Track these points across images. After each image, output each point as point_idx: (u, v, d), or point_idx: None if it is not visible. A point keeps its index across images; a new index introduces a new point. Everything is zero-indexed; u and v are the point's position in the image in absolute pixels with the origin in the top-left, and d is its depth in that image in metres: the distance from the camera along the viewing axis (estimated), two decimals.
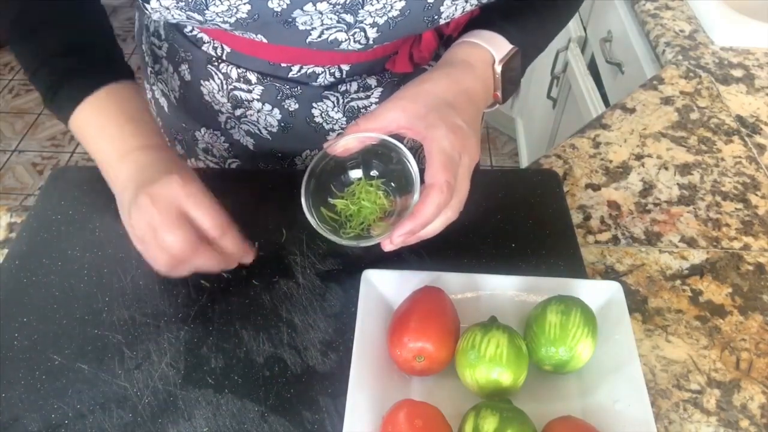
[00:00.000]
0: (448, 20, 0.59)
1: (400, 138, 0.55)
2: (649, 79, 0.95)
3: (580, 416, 0.49)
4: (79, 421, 0.51)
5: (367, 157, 0.58)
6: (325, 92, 0.70)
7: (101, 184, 0.58)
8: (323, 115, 0.71)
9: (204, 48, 0.69)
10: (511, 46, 0.60)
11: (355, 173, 0.59)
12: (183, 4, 0.52)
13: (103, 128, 0.58)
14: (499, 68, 0.59)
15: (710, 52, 1.01)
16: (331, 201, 0.58)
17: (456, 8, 0.58)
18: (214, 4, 0.52)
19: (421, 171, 0.53)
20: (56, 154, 2.42)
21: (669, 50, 1.02)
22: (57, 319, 0.58)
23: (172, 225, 0.52)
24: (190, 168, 0.59)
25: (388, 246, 0.52)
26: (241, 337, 0.57)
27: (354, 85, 0.70)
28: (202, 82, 0.71)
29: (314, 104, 0.70)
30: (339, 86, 0.70)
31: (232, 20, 0.54)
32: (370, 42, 0.60)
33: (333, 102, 0.70)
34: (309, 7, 0.53)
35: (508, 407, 0.47)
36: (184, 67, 0.72)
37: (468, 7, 0.59)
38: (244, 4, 0.52)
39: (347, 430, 0.48)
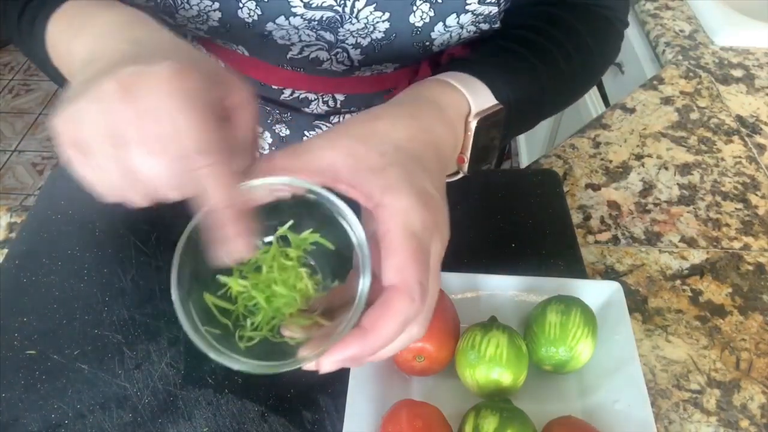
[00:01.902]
0: (443, 48, 0.56)
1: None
2: (649, 79, 0.94)
3: (580, 416, 0.49)
4: (79, 421, 0.51)
5: (282, 212, 0.37)
6: (317, 121, 0.67)
7: None
8: None
9: None
10: (494, 101, 0.47)
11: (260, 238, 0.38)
12: (152, 4, 0.51)
13: (82, 28, 0.42)
14: (474, 123, 0.45)
15: (710, 52, 1.01)
16: (221, 279, 0.37)
17: (451, 35, 0.54)
18: (183, 8, 0.51)
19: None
20: (56, 154, 2.43)
21: (669, 50, 1.02)
22: (57, 319, 0.58)
23: (155, 141, 0.33)
24: (205, 56, 0.39)
25: (312, 368, 0.35)
26: None
27: (348, 118, 0.67)
28: None
29: (306, 133, 0.68)
30: (332, 117, 0.67)
31: (205, 27, 0.53)
32: (355, 64, 0.58)
33: None
34: (281, 20, 0.52)
35: (508, 407, 0.47)
36: None
37: (465, 34, 0.55)
38: (215, 11, 0.51)
39: (347, 430, 0.48)
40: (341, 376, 0.52)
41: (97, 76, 0.34)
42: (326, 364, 0.34)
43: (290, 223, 0.38)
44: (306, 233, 0.38)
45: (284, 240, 0.39)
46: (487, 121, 0.46)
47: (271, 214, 0.37)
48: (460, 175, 0.48)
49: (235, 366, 0.34)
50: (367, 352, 0.34)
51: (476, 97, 0.46)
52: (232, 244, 0.33)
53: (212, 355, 0.34)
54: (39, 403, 0.53)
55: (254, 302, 0.37)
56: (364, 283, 0.34)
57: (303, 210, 0.37)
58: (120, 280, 0.61)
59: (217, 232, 0.33)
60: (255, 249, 0.34)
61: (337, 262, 0.37)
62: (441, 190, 0.39)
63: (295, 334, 0.37)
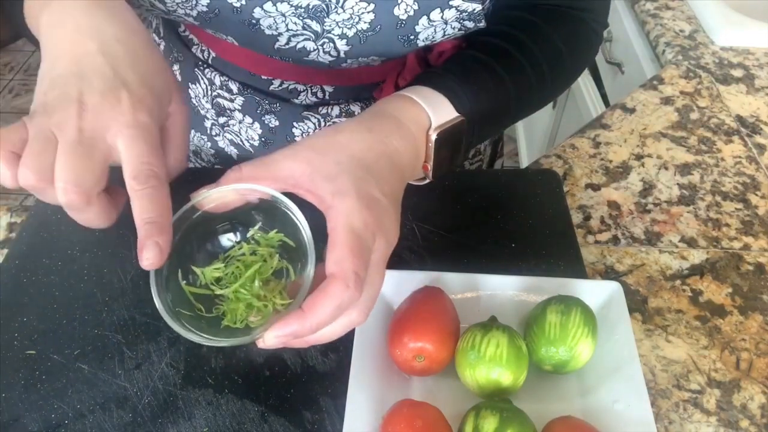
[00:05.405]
0: (428, 43, 0.57)
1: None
2: (649, 79, 0.94)
3: (580, 416, 0.49)
4: (79, 421, 0.51)
5: (245, 217, 0.44)
6: (306, 112, 0.68)
7: None
8: (304, 135, 0.69)
9: (193, 50, 0.69)
10: (455, 114, 0.50)
11: (227, 238, 0.46)
12: None
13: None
14: (434, 136, 0.48)
15: (710, 52, 1.01)
16: (197, 270, 0.44)
17: (435, 30, 0.55)
18: None
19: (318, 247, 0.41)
20: None
21: (669, 50, 1.02)
22: (57, 319, 0.58)
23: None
24: (163, 61, 0.44)
25: (260, 344, 0.40)
26: None
27: (336, 109, 0.68)
28: (190, 84, 0.71)
29: (295, 124, 0.69)
30: (320, 108, 0.68)
31: (194, 13, 0.54)
32: (341, 55, 0.58)
33: (314, 124, 0.69)
34: (269, 6, 0.52)
35: (508, 407, 0.47)
36: (176, 67, 0.72)
37: (450, 30, 0.56)
38: None
39: (347, 430, 0.48)
40: (341, 376, 0.52)
41: (62, 85, 0.39)
42: (269, 338, 0.39)
43: (258, 225, 0.45)
44: (272, 233, 0.44)
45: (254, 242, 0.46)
46: (449, 133, 0.49)
47: (245, 219, 0.44)
48: (427, 181, 0.53)
49: (196, 339, 0.40)
50: (306, 330, 0.39)
51: (436, 112, 0.49)
52: (147, 251, 0.39)
53: (180, 330, 0.40)
54: (39, 403, 0.53)
55: (232, 292, 0.44)
56: (309, 272, 0.40)
57: (271, 213, 0.43)
58: (120, 280, 0.61)
59: (142, 239, 0.39)
60: (163, 261, 0.40)
61: (303, 258, 0.42)
62: (390, 196, 0.44)
63: (256, 318, 0.43)
